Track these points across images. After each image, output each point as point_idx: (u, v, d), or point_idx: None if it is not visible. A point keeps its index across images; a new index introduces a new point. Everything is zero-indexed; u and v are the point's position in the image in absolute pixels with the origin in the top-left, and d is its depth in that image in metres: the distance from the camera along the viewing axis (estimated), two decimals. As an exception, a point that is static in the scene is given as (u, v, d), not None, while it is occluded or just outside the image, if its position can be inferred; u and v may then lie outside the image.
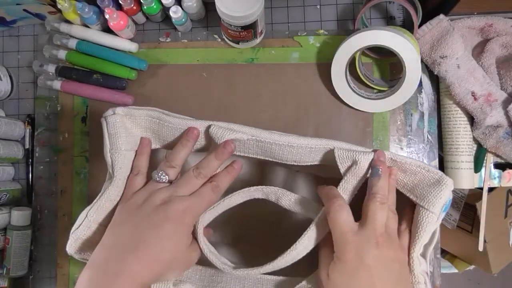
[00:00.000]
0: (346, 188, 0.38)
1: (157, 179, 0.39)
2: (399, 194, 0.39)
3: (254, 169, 0.54)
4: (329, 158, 0.40)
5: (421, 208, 0.36)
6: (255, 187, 0.44)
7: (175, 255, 0.36)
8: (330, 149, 0.39)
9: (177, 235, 0.36)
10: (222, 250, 0.49)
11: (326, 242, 0.38)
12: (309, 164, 0.41)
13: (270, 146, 0.39)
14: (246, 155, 0.41)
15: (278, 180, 0.53)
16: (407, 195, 0.38)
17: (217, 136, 0.38)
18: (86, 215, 0.39)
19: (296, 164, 0.41)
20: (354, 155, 0.38)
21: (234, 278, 0.40)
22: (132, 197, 0.39)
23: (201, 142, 0.41)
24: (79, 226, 0.38)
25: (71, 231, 0.39)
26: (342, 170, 0.38)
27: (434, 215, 0.36)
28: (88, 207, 0.39)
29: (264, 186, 0.43)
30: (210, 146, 0.41)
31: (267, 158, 0.41)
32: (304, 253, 0.38)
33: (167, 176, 0.39)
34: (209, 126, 0.40)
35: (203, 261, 0.46)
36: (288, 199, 0.42)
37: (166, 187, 0.39)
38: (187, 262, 0.39)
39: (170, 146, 0.41)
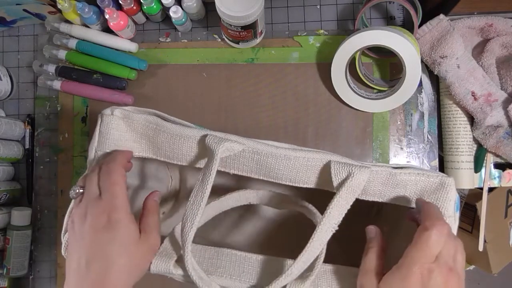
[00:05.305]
0: (340, 204, 0.36)
1: (74, 195, 0.38)
2: (399, 208, 0.39)
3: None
4: (325, 179, 0.38)
5: None
6: (249, 190, 0.43)
7: (129, 258, 0.35)
8: (326, 164, 0.37)
9: (117, 238, 0.35)
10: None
11: (374, 247, 0.36)
12: (305, 186, 0.39)
13: (266, 159, 0.37)
14: (239, 172, 0.39)
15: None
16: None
17: (213, 145, 0.36)
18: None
19: (291, 184, 0.39)
20: (350, 168, 0.36)
21: (233, 262, 0.39)
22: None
23: (193, 152, 0.39)
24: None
25: (62, 234, 0.39)
26: (335, 183, 0.37)
27: (451, 218, 0.36)
28: (69, 209, 0.39)
29: (258, 190, 0.42)
30: (204, 156, 0.40)
31: (261, 177, 0.39)
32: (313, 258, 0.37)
33: (78, 188, 0.38)
34: (204, 136, 0.38)
35: (201, 239, 0.46)
36: (282, 201, 0.41)
37: (81, 199, 0.37)
38: (144, 255, 0.37)
39: (164, 155, 0.40)
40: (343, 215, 0.36)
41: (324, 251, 0.38)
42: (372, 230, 0.38)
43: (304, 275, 0.37)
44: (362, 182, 0.36)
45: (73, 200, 0.39)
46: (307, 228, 0.40)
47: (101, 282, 0.33)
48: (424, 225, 0.32)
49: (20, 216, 0.56)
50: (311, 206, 0.43)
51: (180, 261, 0.37)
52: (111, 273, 0.34)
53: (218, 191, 0.54)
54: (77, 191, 0.37)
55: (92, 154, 0.40)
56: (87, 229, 0.35)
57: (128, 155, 0.39)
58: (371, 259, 0.36)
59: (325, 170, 0.38)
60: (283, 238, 0.53)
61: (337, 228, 0.36)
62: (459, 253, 0.33)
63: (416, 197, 0.38)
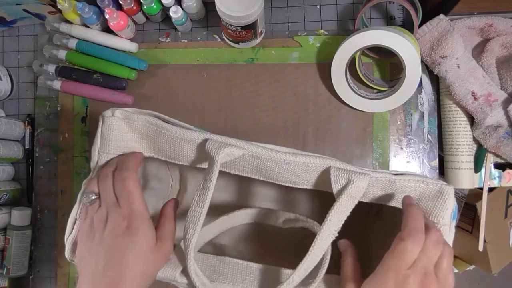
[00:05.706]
0: (340, 211, 0.36)
1: (88, 202, 0.38)
2: (399, 209, 0.39)
3: (243, 187, 0.54)
4: (324, 181, 0.38)
5: None
6: (256, 209, 0.44)
7: (144, 264, 0.35)
8: (326, 168, 0.37)
9: (135, 244, 0.35)
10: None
11: (348, 257, 0.39)
12: (304, 187, 0.39)
13: (266, 163, 0.37)
14: (240, 173, 0.39)
15: (268, 196, 0.53)
16: None
17: (213, 151, 0.36)
18: (76, 219, 0.39)
19: (291, 185, 0.39)
20: (350, 175, 0.36)
21: (235, 270, 0.40)
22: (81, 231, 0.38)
23: (193, 154, 0.39)
24: (71, 232, 0.38)
25: (65, 237, 0.38)
26: (335, 190, 0.37)
27: (446, 226, 0.36)
28: (73, 211, 0.39)
29: (263, 208, 0.43)
30: (204, 157, 0.39)
31: (261, 178, 0.39)
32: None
33: (93, 194, 0.38)
34: (205, 140, 0.38)
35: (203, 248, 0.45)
36: (287, 220, 0.42)
37: (99, 204, 0.37)
38: (158, 262, 0.37)
39: (165, 155, 0.40)
40: (343, 221, 0.36)
41: (328, 259, 0.38)
42: (343, 244, 0.41)
43: (306, 282, 0.37)
44: (361, 189, 0.36)
45: (77, 203, 0.39)
46: (308, 231, 0.40)
47: (116, 287, 0.34)
48: (401, 235, 0.33)
49: (20, 216, 0.56)
50: (315, 223, 0.44)
51: (185, 270, 0.37)
52: (126, 279, 0.34)
53: (219, 192, 0.54)
54: (92, 197, 0.37)
55: (95, 156, 0.40)
56: (107, 234, 0.35)
57: (140, 158, 0.40)
58: (347, 270, 0.38)
59: (325, 175, 0.38)
60: (285, 240, 0.53)
61: (337, 235, 0.36)
62: (444, 260, 0.34)
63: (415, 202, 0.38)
